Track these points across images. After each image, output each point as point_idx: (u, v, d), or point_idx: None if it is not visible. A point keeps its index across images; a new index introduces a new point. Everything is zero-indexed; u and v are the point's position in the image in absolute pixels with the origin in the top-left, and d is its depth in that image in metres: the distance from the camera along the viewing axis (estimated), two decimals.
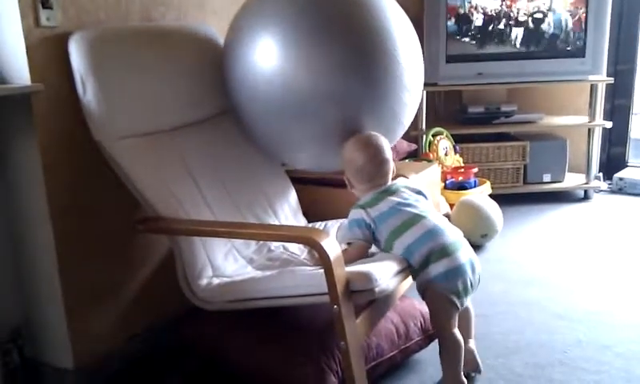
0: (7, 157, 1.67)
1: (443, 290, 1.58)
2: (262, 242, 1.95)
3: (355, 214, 1.67)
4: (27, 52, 1.55)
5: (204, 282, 1.68)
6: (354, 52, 1.75)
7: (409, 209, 1.64)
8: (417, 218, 1.62)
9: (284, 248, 1.96)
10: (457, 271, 1.58)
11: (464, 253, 1.61)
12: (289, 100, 1.76)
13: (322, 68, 1.74)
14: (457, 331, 1.63)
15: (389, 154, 1.74)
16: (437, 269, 1.57)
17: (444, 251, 1.57)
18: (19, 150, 1.65)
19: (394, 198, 1.67)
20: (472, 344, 1.78)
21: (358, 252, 1.65)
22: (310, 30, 1.74)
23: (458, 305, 1.61)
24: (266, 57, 1.75)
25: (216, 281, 1.69)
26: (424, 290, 1.62)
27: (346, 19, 1.78)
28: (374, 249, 1.74)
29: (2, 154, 1.68)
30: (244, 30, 1.83)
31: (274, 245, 1.96)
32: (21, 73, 1.57)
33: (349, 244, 1.69)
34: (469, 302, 1.74)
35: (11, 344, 1.74)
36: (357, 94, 1.77)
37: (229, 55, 1.88)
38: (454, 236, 1.62)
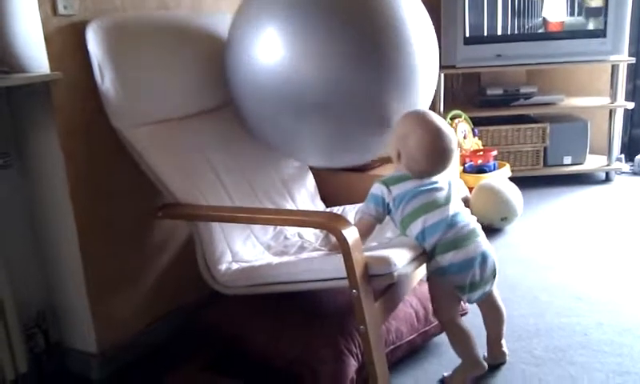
0: (28, 144, 1.69)
1: (447, 280, 1.57)
2: (278, 229, 1.95)
3: (376, 189, 1.62)
4: (45, 41, 1.56)
5: (223, 266, 1.69)
6: (365, 41, 1.65)
7: (431, 193, 1.59)
8: (435, 205, 1.57)
9: (299, 236, 1.96)
10: (464, 265, 1.55)
11: (476, 246, 1.58)
12: (295, 96, 1.66)
13: (331, 60, 1.63)
14: (459, 320, 1.63)
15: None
16: (444, 259, 1.55)
17: (454, 243, 1.55)
18: (39, 138, 1.67)
19: (421, 181, 1.60)
20: (504, 345, 1.76)
21: (363, 227, 1.58)
22: (318, 18, 1.65)
23: (463, 298, 1.60)
24: (271, 49, 1.66)
25: (235, 266, 1.70)
26: (429, 277, 1.62)
27: (355, 6, 1.69)
28: (390, 234, 1.74)
29: (22, 142, 1.70)
30: (248, 20, 1.75)
31: (289, 232, 1.96)
32: (39, 61, 1.58)
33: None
34: (500, 302, 1.73)
35: (36, 329, 1.77)
36: (369, 86, 1.67)
37: (231, 47, 1.79)
38: (468, 228, 1.59)
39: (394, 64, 1.69)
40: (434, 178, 1.62)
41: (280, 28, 1.65)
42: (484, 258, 1.59)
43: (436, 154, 1.59)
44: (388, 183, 1.61)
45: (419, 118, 1.62)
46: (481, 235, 1.62)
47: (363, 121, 1.72)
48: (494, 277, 1.64)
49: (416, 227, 1.57)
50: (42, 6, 1.55)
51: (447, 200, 1.59)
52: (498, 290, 1.72)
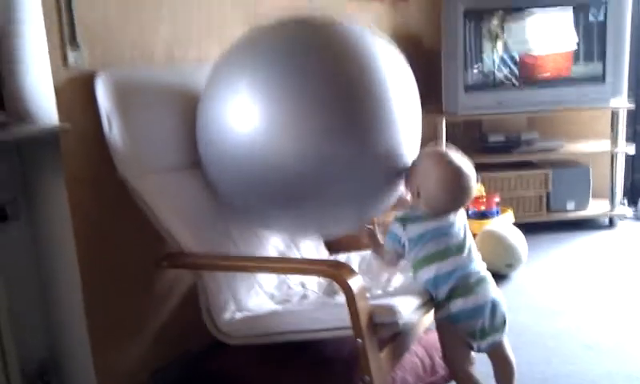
0: (35, 194, 1.70)
1: (457, 328, 1.56)
2: (282, 279, 1.94)
3: (394, 227, 1.63)
4: (55, 91, 1.59)
5: (227, 316, 1.68)
6: (346, 113, 1.52)
7: (446, 239, 1.58)
8: (449, 253, 1.57)
9: (302, 285, 1.96)
10: (474, 311, 1.55)
11: (486, 293, 1.58)
12: (274, 178, 1.53)
13: (312, 134, 1.50)
14: (471, 369, 1.60)
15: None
16: (455, 306, 1.54)
17: (464, 289, 1.55)
18: (46, 188, 1.68)
19: (437, 223, 1.60)
20: None
21: (388, 259, 1.69)
22: (293, 87, 1.51)
23: (474, 346, 1.58)
24: (243, 120, 1.54)
25: (239, 315, 1.69)
26: (438, 325, 1.61)
27: (333, 74, 1.54)
28: (397, 283, 1.73)
29: (30, 191, 1.71)
30: (220, 83, 1.64)
31: (292, 282, 1.96)
32: (49, 111, 1.60)
33: None
34: (511, 354, 1.68)
35: (39, 381, 1.75)
36: (354, 161, 1.53)
37: (202, 113, 1.70)
38: (479, 275, 1.59)
39: (377, 133, 1.56)
40: (452, 219, 1.62)
41: (253, 91, 1.53)
42: (494, 305, 1.58)
43: (457, 192, 1.60)
44: (405, 221, 1.62)
45: (440, 156, 1.63)
46: (491, 283, 1.61)
47: (348, 194, 1.59)
48: (504, 325, 1.62)
49: (427, 273, 1.57)
50: (53, 58, 1.58)
51: (461, 248, 1.59)
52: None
